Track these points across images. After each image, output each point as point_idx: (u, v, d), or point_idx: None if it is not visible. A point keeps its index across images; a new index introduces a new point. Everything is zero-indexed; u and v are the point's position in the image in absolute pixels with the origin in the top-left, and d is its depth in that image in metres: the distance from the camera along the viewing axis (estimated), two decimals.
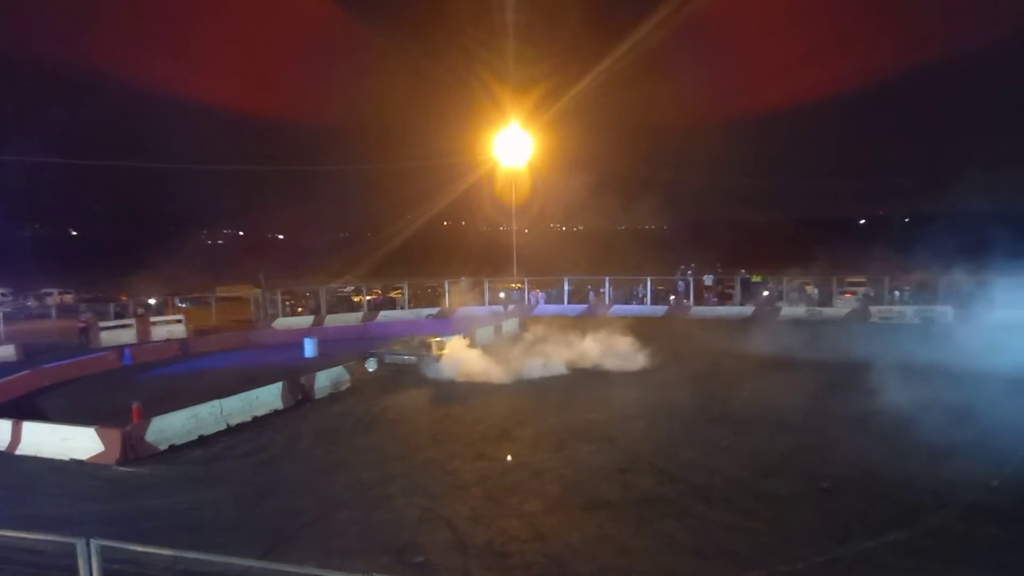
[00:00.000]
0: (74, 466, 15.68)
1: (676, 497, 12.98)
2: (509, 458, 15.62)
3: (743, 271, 45.40)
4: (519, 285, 46.96)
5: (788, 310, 40.22)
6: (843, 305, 39.82)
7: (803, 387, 21.43)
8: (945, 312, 36.36)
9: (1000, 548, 10.74)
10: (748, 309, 40.89)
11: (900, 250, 38.74)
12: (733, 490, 13.29)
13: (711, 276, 45.08)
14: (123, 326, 35.72)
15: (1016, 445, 15.41)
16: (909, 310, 37.59)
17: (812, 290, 42.27)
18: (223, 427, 18.38)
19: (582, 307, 43.46)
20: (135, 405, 17.78)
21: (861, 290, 41.27)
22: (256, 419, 19.40)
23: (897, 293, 40.13)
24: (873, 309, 38.48)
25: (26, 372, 24.17)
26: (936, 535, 11.14)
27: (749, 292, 43.29)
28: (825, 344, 28.67)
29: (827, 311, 39.38)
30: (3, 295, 51.26)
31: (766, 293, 43.25)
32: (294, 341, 31.16)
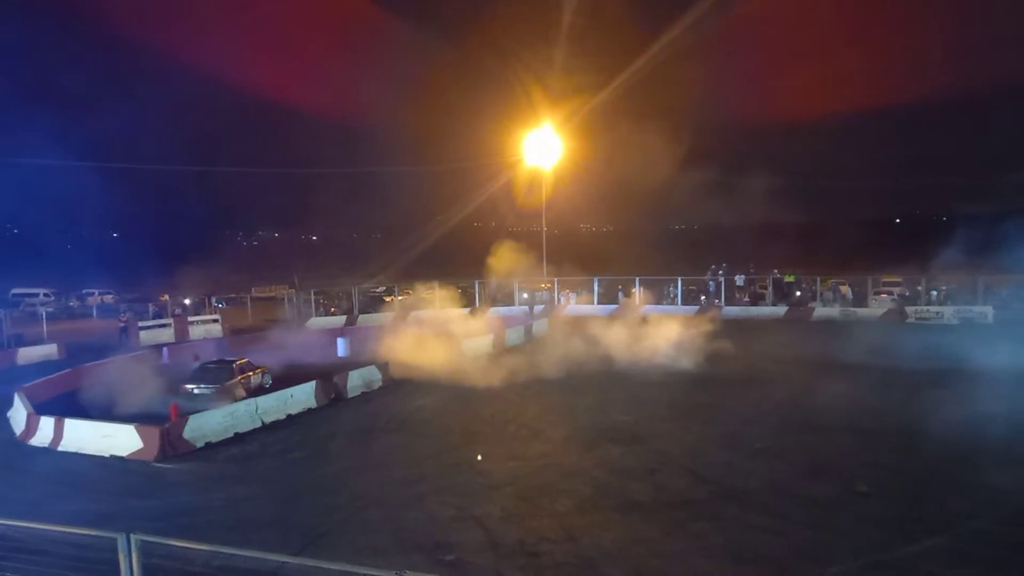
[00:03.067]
0: (114, 462, 16.05)
1: (709, 499, 12.87)
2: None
3: (776, 271, 44.78)
4: (549, 286, 46.90)
5: (822, 310, 39.55)
6: (879, 305, 39.02)
7: (839, 389, 21.06)
8: (985, 313, 35.47)
9: None
10: (781, 309, 40.33)
11: (937, 249, 37.78)
12: (768, 493, 13.12)
13: (742, 276, 44.49)
14: (161, 326, 36.49)
15: None
16: (947, 311, 36.70)
17: (846, 290, 41.52)
18: (258, 425, 18.67)
19: (612, 307, 43.25)
20: (173, 403, 18.14)
21: (897, 290, 40.40)
22: (290, 417, 19.68)
23: (934, 293, 39.19)
24: (910, 309, 37.65)
25: (68, 370, 24.80)
26: (979, 541, 10.87)
27: (782, 292, 42.69)
28: (860, 345, 28.15)
29: (862, 311, 38.63)
30: (46, 295, 52.66)
31: (799, 293, 42.62)
32: (327, 340, 31.47)
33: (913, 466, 14.44)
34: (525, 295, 46.13)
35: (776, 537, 11.16)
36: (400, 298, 44.17)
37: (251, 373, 22.59)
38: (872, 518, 11.79)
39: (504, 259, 40.63)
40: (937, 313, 36.85)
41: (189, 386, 20.96)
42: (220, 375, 21.53)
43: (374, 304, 43.71)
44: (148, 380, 21.76)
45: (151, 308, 40.17)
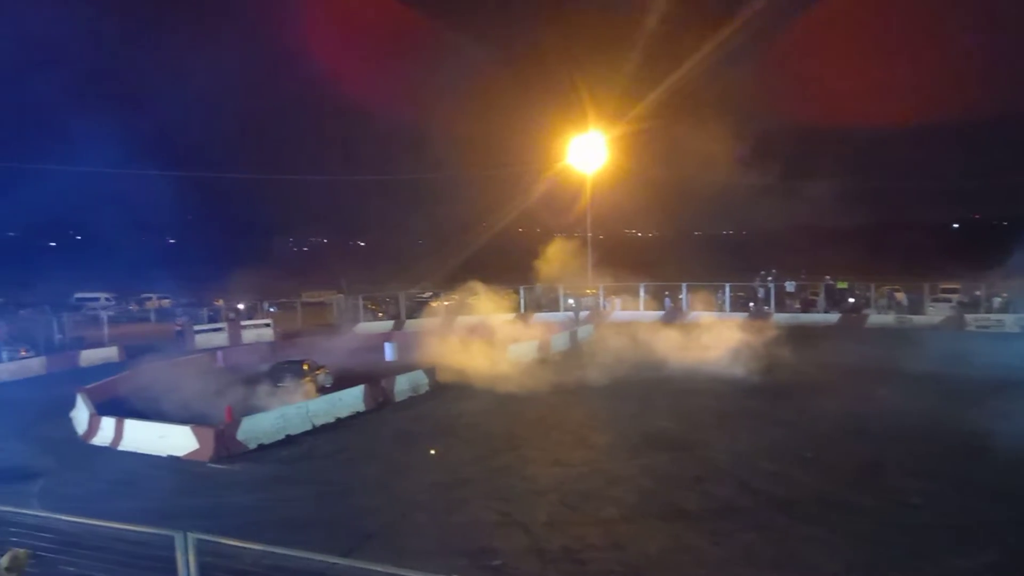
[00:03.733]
0: (171, 462, 16.57)
1: (756, 508, 12.68)
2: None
3: (828, 277, 43.76)
4: (594, 291, 46.71)
5: (876, 317, 38.51)
6: (936, 313, 37.78)
7: (892, 399, 20.57)
8: None
9: None
10: (833, 316, 39.41)
11: (998, 255, 36.44)
12: (816, 503, 12.87)
13: (793, 282, 43.60)
14: (216, 329, 37.49)
15: None
16: (1009, 318, 35.35)
17: (902, 297, 40.31)
18: (308, 427, 19.06)
19: (658, 313, 42.86)
20: (227, 405, 18.66)
21: (956, 297, 39.01)
22: (339, 420, 20.03)
23: (996, 300, 37.73)
24: (969, 317, 36.36)
25: (127, 372, 25.68)
26: None
27: (834, 299, 41.68)
28: (916, 354, 27.32)
29: (918, 319, 37.47)
30: (107, 300, 54.58)
31: (852, 300, 41.56)
32: (375, 345, 31.89)
33: (967, 477, 13.98)
34: (570, 301, 46.02)
35: (825, 548, 10.93)
36: (446, 303, 44.53)
37: (318, 372, 24.03)
38: (923, 530, 11.48)
39: (550, 263, 40.66)
40: (998, 321, 35.54)
41: (268, 384, 22.51)
42: (294, 373, 23.30)
43: (420, 309, 44.15)
44: (204, 382, 22.41)
45: (206, 312, 41.30)
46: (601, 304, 45.62)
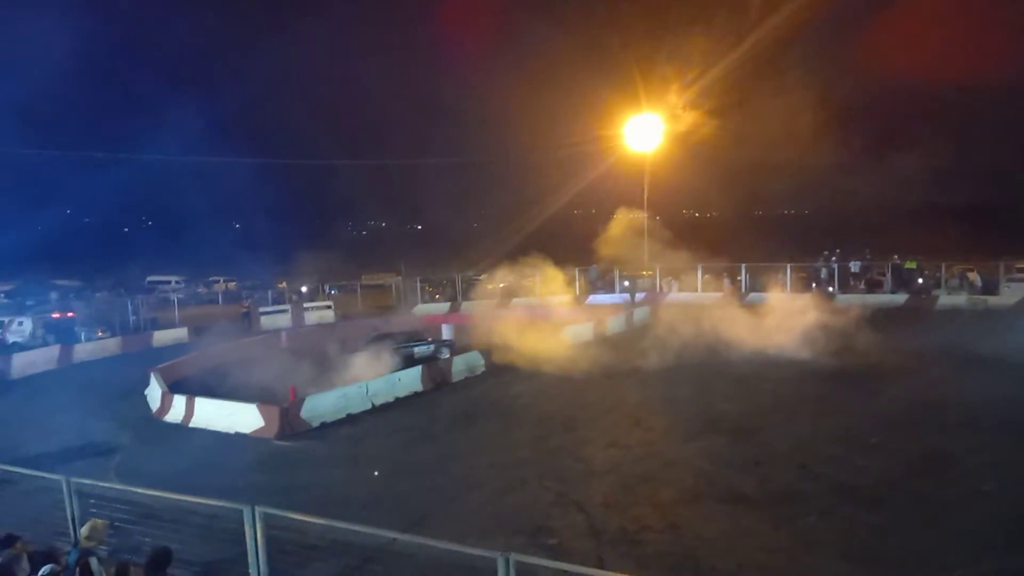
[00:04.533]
0: (238, 439, 17.23)
1: (818, 494, 12.40)
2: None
3: (896, 256, 42.18)
4: (651, 273, 46.14)
5: (946, 298, 36.95)
6: (1012, 293, 36.01)
7: (963, 383, 19.72)
8: None
9: None
10: (900, 297, 38.02)
11: None
12: (882, 490, 12.49)
13: (857, 263, 42.19)
14: (280, 311, 38.60)
15: None
16: None
17: (975, 277, 38.53)
18: (368, 407, 19.51)
19: (717, 295, 42.10)
20: (291, 385, 19.24)
21: None
22: (398, 400, 20.43)
23: None
24: None
25: (197, 352, 26.71)
26: None
27: (901, 279, 40.18)
28: (988, 336, 26.12)
29: (992, 300, 35.75)
30: (177, 282, 56.71)
31: (921, 281, 39.98)
32: (433, 326, 32.26)
33: None
34: (626, 282, 45.62)
35: (890, 536, 10.65)
36: (502, 285, 44.72)
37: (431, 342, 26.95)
38: (995, 519, 11.02)
39: (607, 245, 40.35)
40: None
41: (404, 350, 24.98)
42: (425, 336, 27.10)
43: (476, 291, 44.46)
44: (270, 361, 23.17)
45: (270, 295, 42.52)
46: (658, 286, 45.11)
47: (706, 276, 43.57)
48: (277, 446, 16.65)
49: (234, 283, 56.81)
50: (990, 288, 36.97)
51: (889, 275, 40.27)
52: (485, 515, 11.97)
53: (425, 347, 26.14)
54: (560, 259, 39.68)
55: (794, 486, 12.85)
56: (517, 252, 38.58)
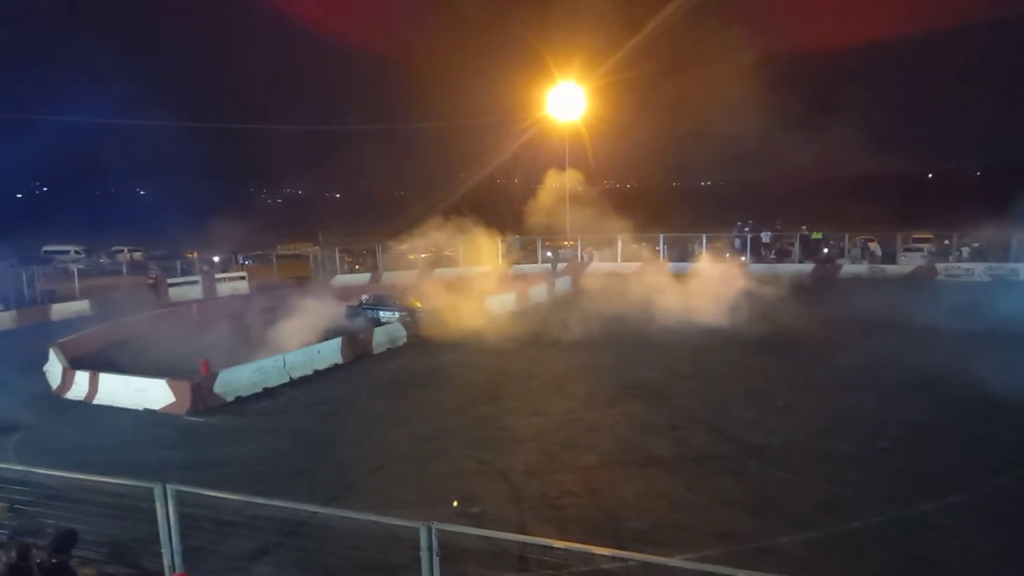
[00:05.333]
0: (147, 415, 16.51)
1: (730, 455, 12.95)
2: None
3: (804, 227, 44.13)
4: (572, 243, 46.67)
5: (849, 267, 39.07)
6: (908, 262, 38.42)
7: (865, 347, 20.94)
8: (1017, 270, 34.83)
9: None
10: (808, 266, 39.87)
11: (970, 205, 37.00)
12: (789, 449, 13.17)
13: (768, 233, 43.96)
14: (190, 282, 37.06)
15: None
16: (979, 268, 36.08)
17: (875, 247, 40.86)
18: (286, 380, 19.04)
19: (636, 264, 43.01)
20: (203, 359, 18.53)
21: (927, 246, 39.68)
22: (317, 372, 20.03)
23: (965, 250, 38.43)
24: (940, 267, 37.05)
25: (100, 326, 25.37)
26: (1000, 498, 10.86)
27: (809, 249, 42.15)
28: (887, 303, 27.81)
29: (891, 269, 38.08)
30: (77, 252, 53.60)
31: (826, 250, 42.04)
32: (353, 297, 31.70)
33: (937, 423, 14.37)
34: (548, 253, 46.01)
35: (796, 492, 11.23)
36: (424, 255, 44.31)
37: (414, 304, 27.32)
38: (893, 474, 11.80)
39: (529, 215, 40.52)
40: (968, 270, 36.25)
41: (371, 313, 26.61)
42: (393, 302, 27.36)
43: (398, 261, 43.91)
44: (181, 335, 22.26)
45: (179, 265, 40.70)
46: (579, 255, 45.69)
47: (626, 246, 44.40)
48: (189, 422, 16.06)
49: (140, 253, 54.17)
50: (889, 257, 39.31)
51: (797, 245, 42.12)
52: (409, 485, 11.92)
53: (389, 312, 26.46)
54: (483, 229, 39.51)
55: (708, 448, 13.37)
56: (440, 222, 38.16)
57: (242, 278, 38.80)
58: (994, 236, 36.98)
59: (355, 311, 27.18)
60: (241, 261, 44.10)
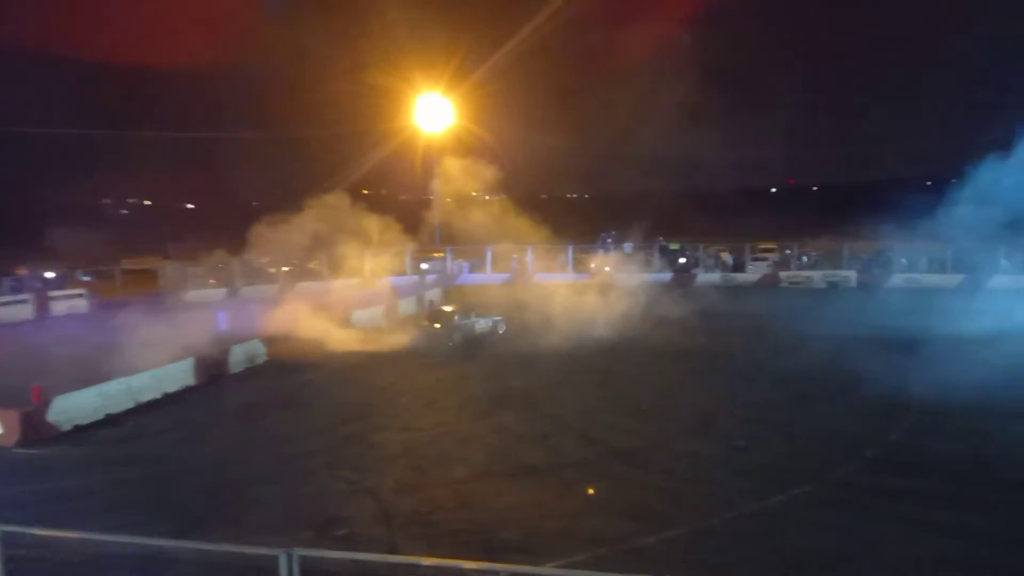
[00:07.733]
0: None
1: (598, 460, 13.28)
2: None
3: (661, 239, 46.50)
4: (442, 254, 46.55)
5: (704, 276, 41.54)
6: (755, 271, 41.44)
7: (721, 350, 22.30)
8: (849, 277, 38.50)
9: (903, 498, 11.35)
10: (666, 276, 41.95)
11: (810, 218, 40.63)
12: (653, 451, 13.69)
13: (630, 244, 45.92)
14: (19, 302, 33.55)
15: (912, 400, 16.34)
16: (816, 275, 39.51)
17: (727, 257, 43.73)
18: (132, 405, 17.57)
19: (505, 275, 43.54)
20: (35, 385, 16.75)
21: (771, 256, 42.98)
22: (167, 396, 18.63)
23: (804, 259, 42.01)
24: (783, 274, 40.26)
25: None
26: (843, 487, 11.77)
27: (667, 259, 44.43)
28: (737, 308, 29.77)
29: (741, 277, 40.97)
30: None
31: (683, 260, 44.46)
32: (207, 315, 29.91)
33: (787, 420, 15.44)
34: (423, 265, 45.59)
35: (661, 492, 11.66)
36: (285, 269, 42.57)
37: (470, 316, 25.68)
38: (748, 471, 12.51)
39: (396, 228, 40.03)
40: (807, 278, 39.62)
41: (467, 323, 24.87)
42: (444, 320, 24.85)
43: (257, 276, 41.89)
44: (6, 360, 20.05)
45: (6, 283, 36.70)
46: (449, 267, 45.62)
47: (494, 257, 44.82)
48: (20, 455, 14.44)
49: None
50: (739, 266, 42.25)
51: (657, 255, 44.28)
52: (273, 510, 11.29)
53: (486, 321, 25.60)
54: (349, 241, 38.47)
55: (578, 454, 13.64)
56: (301, 234, 36.77)
57: (80, 296, 35.61)
58: (830, 246, 40.81)
59: (442, 331, 24.21)
60: (80, 277, 40.55)
